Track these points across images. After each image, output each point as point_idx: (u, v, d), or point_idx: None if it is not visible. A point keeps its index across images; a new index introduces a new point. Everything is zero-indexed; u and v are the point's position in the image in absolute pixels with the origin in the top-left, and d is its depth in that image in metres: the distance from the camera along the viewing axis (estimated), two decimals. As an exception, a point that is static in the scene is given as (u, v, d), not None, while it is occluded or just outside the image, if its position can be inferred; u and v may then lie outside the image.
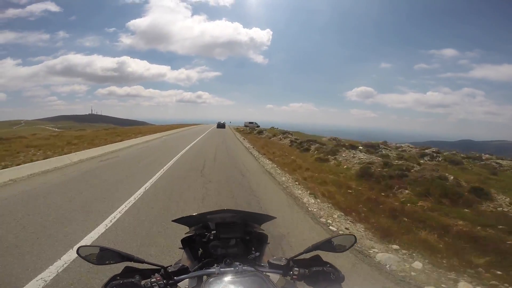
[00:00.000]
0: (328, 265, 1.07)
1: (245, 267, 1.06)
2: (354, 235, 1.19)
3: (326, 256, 1.11)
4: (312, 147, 16.12)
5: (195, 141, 19.58)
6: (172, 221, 1.44)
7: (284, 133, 27.19)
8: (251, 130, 34.75)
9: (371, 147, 16.45)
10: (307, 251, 1.11)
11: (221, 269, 1.05)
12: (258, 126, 54.19)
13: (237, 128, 44.64)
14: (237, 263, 1.09)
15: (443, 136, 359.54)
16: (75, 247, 1.81)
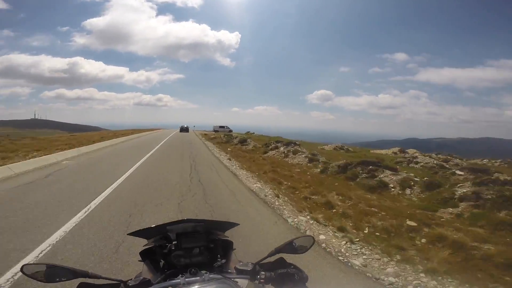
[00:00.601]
0: (292, 267, 1.08)
1: (212, 275, 1.04)
2: (312, 237, 1.22)
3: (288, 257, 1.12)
4: (379, 175, 8.15)
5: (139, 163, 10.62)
6: (127, 234, 1.37)
7: (288, 144, 16.57)
8: (227, 138, 24.85)
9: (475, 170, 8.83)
10: (271, 254, 1.11)
11: (186, 279, 1.00)
12: (230, 131, 45.40)
13: (205, 134, 34.75)
14: (203, 272, 1.05)
15: (392, 135, 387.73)
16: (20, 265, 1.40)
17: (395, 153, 21.71)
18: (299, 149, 15.09)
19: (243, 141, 20.60)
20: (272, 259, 1.12)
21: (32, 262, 1.12)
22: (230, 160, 12.95)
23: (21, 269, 0.93)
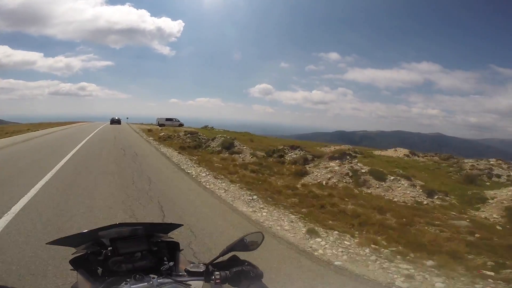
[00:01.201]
0: (246, 263, 1.02)
1: (161, 280, 0.94)
2: (261, 233, 1.14)
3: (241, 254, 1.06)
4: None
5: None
6: (46, 244, 1.20)
7: (295, 147, 10.91)
8: (193, 139, 14.62)
9: None
10: (223, 253, 1.05)
11: (132, 286, 0.89)
12: (181, 125, 36.15)
13: (149, 131, 23.61)
14: (151, 277, 0.95)
15: (324, 128, 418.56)
16: None
17: (407, 155, 16.91)
18: (360, 166, 7.60)
19: (228, 147, 11.63)
20: (224, 258, 1.05)
21: None
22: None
23: None
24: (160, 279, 0.94)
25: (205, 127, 33.09)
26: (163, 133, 18.35)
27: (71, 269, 1.11)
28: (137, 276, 0.93)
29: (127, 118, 57.35)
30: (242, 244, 1.06)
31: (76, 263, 1.10)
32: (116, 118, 41.97)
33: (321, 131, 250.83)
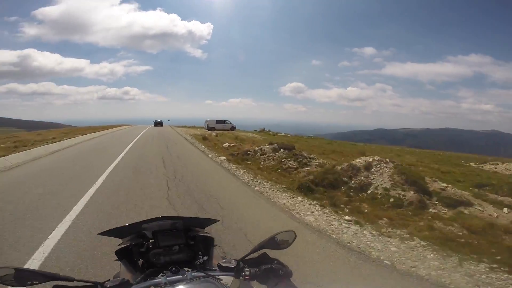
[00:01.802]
0: (276, 262, 1.02)
1: (195, 273, 0.97)
2: (293, 231, 1.11)
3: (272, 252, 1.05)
4: None
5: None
6: (98, 234, 1.23)
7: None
8: (295, 160, 8.23)
9: None
10: (254, 250, 1.05)
11: (168, 278, 0.93)
12: (233, 128, 30.92)
13: (203, 139, 17.43)
14: (186, 270, 0.99)
15: (361, 126, 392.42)
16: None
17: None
18: None
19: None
20: (255, 255, 1.05)
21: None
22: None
23: None
24: (194, 272, 0.97)
25: (262, 130, 27.58)
26: (227, 144, 12.75)
27: (115, 260, 1.19)
28: (173, 268, 0.97)
29: (169, 120, 56.45)
30: (273, 242, 1.05)
31: (120, 254, 1.19)
32: (159, 120, 46.99)
33: (359, 129, 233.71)
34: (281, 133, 24.46)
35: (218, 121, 32.08)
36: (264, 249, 1.05)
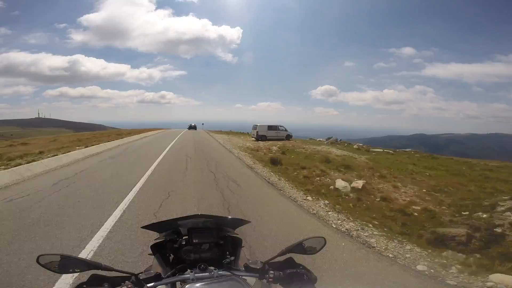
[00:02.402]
0: (301, 267, 1.03)
1: (221, 272, 0.99)
2: (323, 238, 1.11)
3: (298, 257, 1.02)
4: None
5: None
6: (141, 227, 1.32)
7: None
8: None
9: None
10: (281, 254, 1.06)
11: (195, 275, 0.96)
12: (290, 136, 24.05)
13: (272, 163, 10.48)
14: (212, 268, 1.01)
15: (399, 130, 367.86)
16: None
17: None
18: None
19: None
20: (281, 258, 1.07)
21: (47, 253, 0.87)
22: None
23: (37, 259, 0.88)
24: (220, 271, 0.98)
25: (329, 138, 21.71)
26: (343, 183, 6.66)
27: (149, 254, 1.25)
28: (201, 266, 1.00)
29: (203, 124, 54.02)
30: (300, 248, 1.05)
31: (154, 249, 1.24)
32: (193, 124, 47.64)
33: (395, 134, 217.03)
34: (360, 145, 19.24)
35: (270, 127, 23.40)
36: (291, 254, 1.05)
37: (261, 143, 19.43)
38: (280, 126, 24.07)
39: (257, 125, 23.31)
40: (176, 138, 22.51)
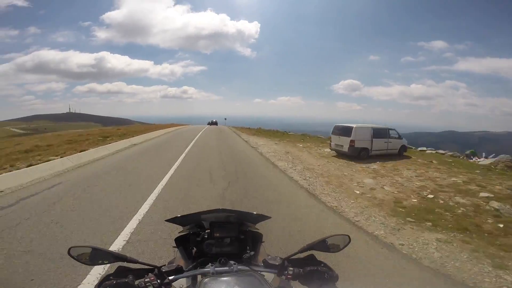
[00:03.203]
0: (322, 265, 1.02)
1: (240, 267, 1.01)
2: (348, 235, 1.09)
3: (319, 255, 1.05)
4: None
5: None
6: (165, 220, 1.32)
7: None
8: None
9: None
10: (302, 250, 1.05)
11: (216, 269, 1.00)
12: (404, 148, 13.42)
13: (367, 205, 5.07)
14: (232, 262, 1.04)
15: (427, 127, 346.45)
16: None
17: None
18: None
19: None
20: (302, 255, 1.06)
21: (78, 245, 0.94)
22: None
23: (68, 251, 0.93)
24: (239, 265, 1.01)
25: (472, 154, 14.27)
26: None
27: (173, 246, 1.30)
28: (222, 260, 1.06)
29: (225, 119, 51.54)
30: (323, 245, 1.04)
31: (178, 241, 1.30)
32: (214, 120, 44.92)
33: (424, 131, 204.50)
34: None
35: (377, 132, 12.23)
36: (312, 251, 1.03)
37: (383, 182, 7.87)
38: (391, 129, 13.08)
39: (351, 127, 11.91)
40: (198, 136, 19.01)
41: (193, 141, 16.49)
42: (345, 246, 1.07)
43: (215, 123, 42.53)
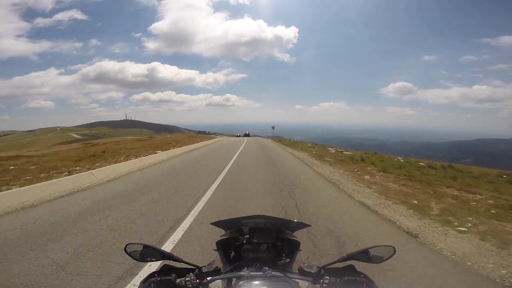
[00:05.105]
0: (362, 275, 0.96)
1: (274, 273, 0.98)
2: (393, 247, 1.00)
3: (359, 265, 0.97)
4: None
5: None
6: (210, 224, 1.35)
7: None
8: None
9: None
10: (341, 260, 1.02)
11: (250, 273, 0.98)
12: None
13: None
14: (267, 268, 1.01)
15: (493, 133, 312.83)
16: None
17: None
18: None
19: None
20: (340, 265, 1.03)
21: (133, 242, 1.10)
22: None
23: (125, 247, 1.03)
24: (273, 272, 0.98)
25: None
26: None
27: (214, 249, 1.30)
28: (257, 265, 1.03)
29: (273, 127, 43.95)
30: (365, 256, 1.00)
31: (219, 245, 1.29)
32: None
33: (490, 137, 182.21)
34: None
35: None
36: (352, 261, 1.01)
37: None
38: None
39: None
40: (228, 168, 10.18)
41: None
42: (389, 257, 1.02)
43: (248, 135, 41.86)
